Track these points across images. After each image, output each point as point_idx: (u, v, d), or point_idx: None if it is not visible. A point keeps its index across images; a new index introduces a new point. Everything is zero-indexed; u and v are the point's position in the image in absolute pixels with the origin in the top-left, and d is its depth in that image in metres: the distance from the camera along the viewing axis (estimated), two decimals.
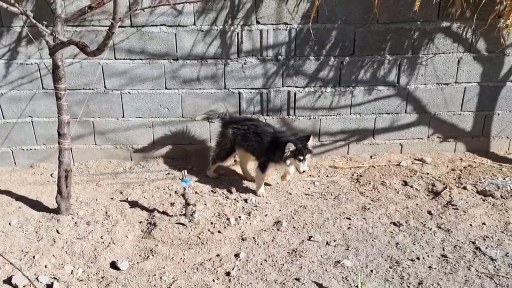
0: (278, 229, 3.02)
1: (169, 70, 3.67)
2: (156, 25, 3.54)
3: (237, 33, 3.59)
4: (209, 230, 3.01)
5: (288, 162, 3.29)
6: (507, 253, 2.74)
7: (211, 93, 3.76)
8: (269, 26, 3.58)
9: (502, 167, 3.82)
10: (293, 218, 3.16)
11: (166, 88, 3.74)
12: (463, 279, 2.53)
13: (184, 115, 3.84)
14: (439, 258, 2.72)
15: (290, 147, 3.20)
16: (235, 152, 3.61)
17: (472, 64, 3.77)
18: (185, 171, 3.00)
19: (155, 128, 3.87)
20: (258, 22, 3.56)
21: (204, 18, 3.54)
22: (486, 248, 2.79)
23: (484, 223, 3.06)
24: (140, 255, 2.80)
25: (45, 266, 2.66)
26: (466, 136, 4.02)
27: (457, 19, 3.57)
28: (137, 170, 3.83)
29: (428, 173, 3.75)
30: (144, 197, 3.40)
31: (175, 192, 3.44)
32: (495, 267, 2.63)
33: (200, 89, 3.75)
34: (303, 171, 3.32)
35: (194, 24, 3.56)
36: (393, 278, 2.56)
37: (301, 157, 3.26)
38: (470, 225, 3.04)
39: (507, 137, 4.01)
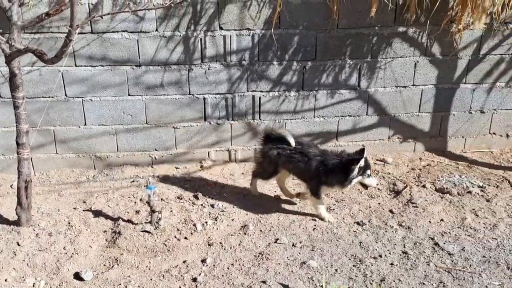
0: (245, 233, 3.05)
1: (131, 76, 3.64)
2: (117, 32, 3.51)
3: (200, 39, 3.60)
4: (175, 237, 3.00)
5: (354, 181, 3.02)
6: (464, 247, 2.87)
7: (176, 99, 3.75)
8: (232, 32, 3.61)
9: (458, 165, 3.99)
10: (260, 221, 3.19)
11: (129, 94, 3.70)
12: (423, 274, 2.63)
13: (148, 122, 3.80)
14: (400, 255, 2.82)
15: (362, 163, 2.94)
16: (279, 173, 3.36)
17: (428, 67, 3.93)
18: (149, 178, 2.98)
19: (118, 135, 3.82)
20: (221, 28, 3.59)
21: (166, 24, 3.54)
22: (444, 243, 2.91)
23: (442, 220, 3.19)
24: (104, 265, 2.76)
25: (5, 280, 2.58)
26: (425, 136, 4.18)
27: (412, 24, 3.71)
28: (101, 178, 3.76)
29: (389, 173, 3.87)
30: (109, 205, 3.35)
31: (141, 199, 3.40)
32: (452, 261, 2.75)
33: (164, 95, 3.73)
34: (377, 184, 3.19)
35: (157, 30, 3.54)
36: (356, 276, 2.63)
37: (369, 171, 3.05)
38: (429, 222, 3.17)
39: (463, 137, 4.20)
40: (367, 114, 4.04)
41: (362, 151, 2.98)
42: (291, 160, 3.20)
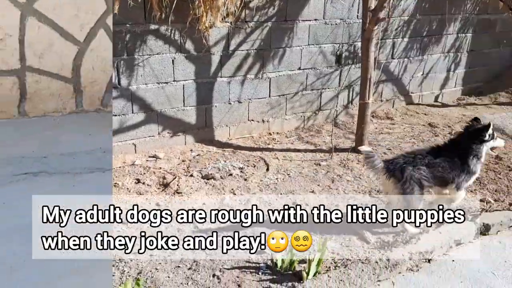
0: None
1: None
2: None
3: None
4: None
5: (490, 147, 3.01)
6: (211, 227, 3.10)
7: None
8: None
9: (224, 152, 4.34)
10: None
11: None
12: (179, 258, 2.75)
13: None
14: (161, 245, 2.87)
15: (490, 126, 2.90)
16: None
17: (185, 64, 4.14)
18: None
19: None
20: None
21: None
22: (203, 224, 3.10)
23: (204, 203, 3.41)
24: None
25: None
26: (193, 129, 4.41)
27: (162, 22, 3.84)
28: None
29: (160, 168, 3.95)
30: None
31: None
32: (206, 239, 2.93)
33: None
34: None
35: None
36: (113, 275, 2.57)
37: (495, 134, 3.01)
38: (192, 207, 3.34)
39: (227, 126, 4.59)
40: (133, 112, 4.03)
41: (487, 125, 2.98)
42: (435, 168, 2.90)
